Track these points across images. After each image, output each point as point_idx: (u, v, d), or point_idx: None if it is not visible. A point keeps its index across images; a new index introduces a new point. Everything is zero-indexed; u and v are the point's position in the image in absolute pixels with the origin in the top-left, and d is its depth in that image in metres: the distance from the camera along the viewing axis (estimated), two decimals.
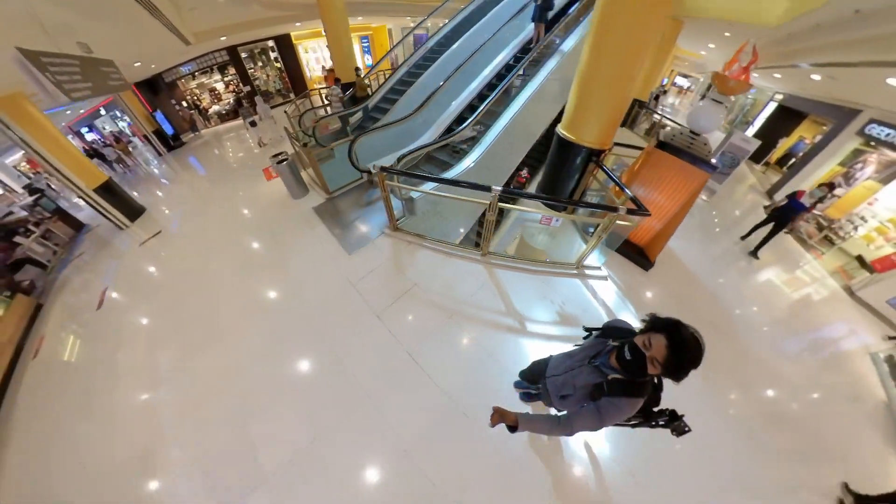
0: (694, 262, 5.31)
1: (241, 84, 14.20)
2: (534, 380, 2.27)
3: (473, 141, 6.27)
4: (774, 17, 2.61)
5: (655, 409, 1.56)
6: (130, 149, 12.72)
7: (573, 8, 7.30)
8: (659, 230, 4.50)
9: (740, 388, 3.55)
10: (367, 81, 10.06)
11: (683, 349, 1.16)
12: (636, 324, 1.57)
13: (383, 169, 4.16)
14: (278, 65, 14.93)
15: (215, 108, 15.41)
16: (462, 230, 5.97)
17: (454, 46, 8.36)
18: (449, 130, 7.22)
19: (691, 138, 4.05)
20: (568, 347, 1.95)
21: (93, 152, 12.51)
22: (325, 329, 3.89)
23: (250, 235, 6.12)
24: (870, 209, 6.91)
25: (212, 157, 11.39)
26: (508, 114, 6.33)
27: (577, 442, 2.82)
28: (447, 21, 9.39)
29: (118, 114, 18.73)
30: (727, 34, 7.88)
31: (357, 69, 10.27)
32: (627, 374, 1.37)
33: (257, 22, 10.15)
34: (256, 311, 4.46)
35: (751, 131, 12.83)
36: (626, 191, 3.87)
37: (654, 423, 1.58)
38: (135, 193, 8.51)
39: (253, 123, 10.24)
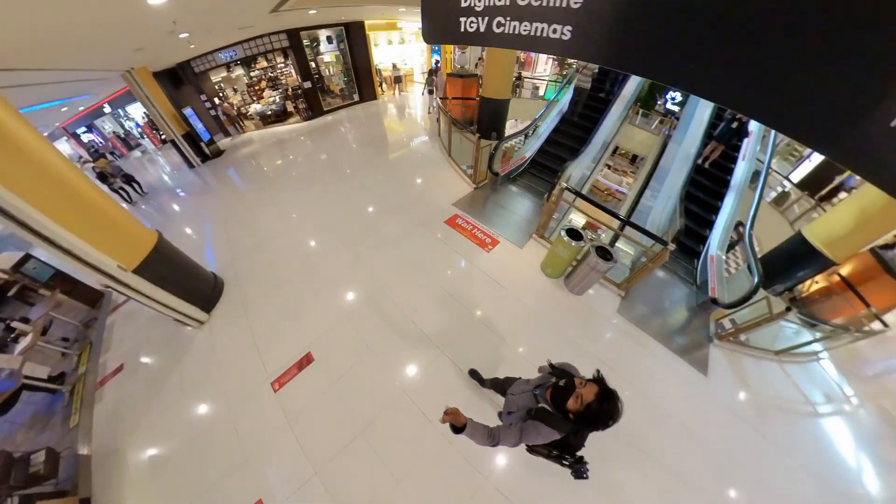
0: None
1: (300, 78, 10.84)
2: (500, 389, 2.57)
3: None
4: None
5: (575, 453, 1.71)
6: (110, 164, 9.04)
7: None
8: None
9: None
10: None
11: (605, 401, 1.40)
12: None
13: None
14: (333, 57, 11.61)
15: (256, 107, 12.05)
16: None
17: None
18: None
19: None
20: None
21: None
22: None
23: None
24: None
25: (291, 176, 7.81)
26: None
27: None
28: None
29: (122, 112, 15.20)
30: None
31: None
32: (553, 407, 1.59)
33: None
34: None
35: (807, 166, 10.43)
36: (872, 309, 4.32)
37: (563, 462, 1.73)
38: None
39: (431, 91, 10.65)
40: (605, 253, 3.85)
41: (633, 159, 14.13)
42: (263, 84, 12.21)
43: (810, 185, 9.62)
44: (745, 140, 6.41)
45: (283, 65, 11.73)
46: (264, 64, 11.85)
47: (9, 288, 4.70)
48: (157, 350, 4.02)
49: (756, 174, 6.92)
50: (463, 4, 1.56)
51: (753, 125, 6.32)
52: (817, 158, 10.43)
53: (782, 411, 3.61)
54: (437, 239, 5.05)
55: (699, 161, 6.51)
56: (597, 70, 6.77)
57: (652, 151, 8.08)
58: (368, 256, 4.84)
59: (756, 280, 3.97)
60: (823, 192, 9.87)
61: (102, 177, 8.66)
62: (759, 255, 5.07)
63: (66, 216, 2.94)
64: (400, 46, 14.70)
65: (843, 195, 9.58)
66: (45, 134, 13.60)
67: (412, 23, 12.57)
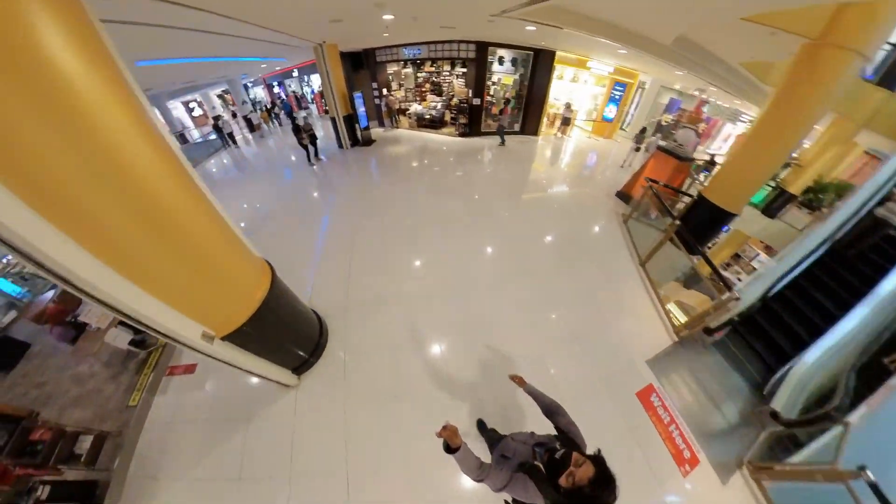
0: None
1: (471, 93, 10.04)
2: (491, 442, 2.35)
3: None
4: None
5: None
6: (305, 120, 8.93)
7: None
8: None
9: None
10: None
11: (600, 486, 1.19)
12: None
13: None
14: (509, 81, 10.51)
15: (416, 107, 11.73)
16: None
17: None
18: None
19: None
20: None
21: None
22: None
23: None
24: None
25: (437, 205, 6.21)
26: None
27: None
28: None
29: (306, 78, 16.86)
30: None
31: None
32: (546, 469, 1.43)
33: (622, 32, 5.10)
34: None
35: None
36: None
37: None
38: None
39: (637, 149, 9.19)
40: None
41: None
42: (428, 87, 11.97)
43: None
44: None
45: (447, 73, 11.30)
46: (431, 69, 11.58)
47: None
48: (231, 388, 3.16)
49: None
50: None
51: None
52: None
53: None
54: (622, 422, 3.04)
55: None
56: None
57: None
58: (519, 406, 3.00)
59: None
60: None
61: (297, 129, 8.54)
62: None
63: (149, 274, 1.73)
64: (571, 84, 13.16)
65: None
66: (250, 81, 15.56)
67: (607, 65, 10.88)
